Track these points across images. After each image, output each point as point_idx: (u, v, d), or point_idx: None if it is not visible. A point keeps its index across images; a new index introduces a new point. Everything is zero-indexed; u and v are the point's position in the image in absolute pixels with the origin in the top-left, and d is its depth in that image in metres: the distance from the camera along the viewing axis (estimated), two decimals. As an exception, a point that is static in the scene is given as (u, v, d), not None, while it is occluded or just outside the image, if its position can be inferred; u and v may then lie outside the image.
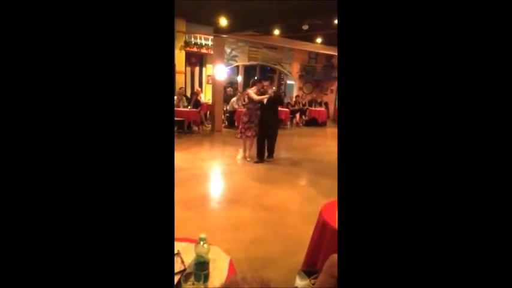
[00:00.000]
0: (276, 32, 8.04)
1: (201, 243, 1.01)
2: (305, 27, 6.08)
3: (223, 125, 7.81)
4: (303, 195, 3.50)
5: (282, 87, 12.13)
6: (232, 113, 7.91)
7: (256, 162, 4.62)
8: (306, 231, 2.33)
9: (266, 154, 4.73)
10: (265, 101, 4.47)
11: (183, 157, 4.79)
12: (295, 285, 1.39)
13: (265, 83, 4.79)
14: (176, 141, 6.10)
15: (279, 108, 8.32)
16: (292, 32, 7.96)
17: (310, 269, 1.43)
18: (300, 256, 1.84)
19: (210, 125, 7.67)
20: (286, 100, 9.54)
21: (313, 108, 9.71)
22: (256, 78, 5.21)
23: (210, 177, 4.18)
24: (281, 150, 4.78)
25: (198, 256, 0.97)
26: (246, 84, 8.63)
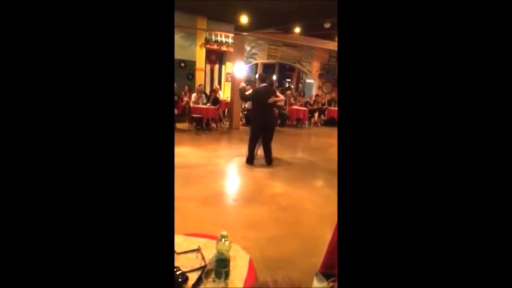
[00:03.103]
0: (297, 30, 7.96)
1: (223, 240, 1.02)
2: (327, 25, 5.98)
3: (241, 122, 7.83)
4: (320, 195, 3.46)
5: (301, 85, 12.02)
6: (250, 111, 7.92)
7: (247, 165, 4.37)
8: (323, 233, 2.30)
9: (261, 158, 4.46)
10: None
11: (200, 154, 4.85)
12: (313, 286, 1.37)
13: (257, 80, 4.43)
14: (194, 137, 6.19)
15: (298, 108, 8.32)
16: (314, 30, 7.86)
17: (328, 272, 1.41)
18: (316, 257, 1.82)
19: (228, 123, 7.72)
20: (305, 99, 9.45)
21: (332, 108, 9.55)
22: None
23: (226, 174, 4.22)
24: (298, 150, 4.75)
25: (219, 253, 0.98)
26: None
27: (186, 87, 7.49)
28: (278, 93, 4.54)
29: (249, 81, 10.05)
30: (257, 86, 4.35)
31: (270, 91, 4.29)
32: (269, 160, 4.45)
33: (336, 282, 1.24)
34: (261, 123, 4.25)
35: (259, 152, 4.57)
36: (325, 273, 1.38)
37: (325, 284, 1.33)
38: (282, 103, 4.47)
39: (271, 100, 4.19)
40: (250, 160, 4.43)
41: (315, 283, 1.37)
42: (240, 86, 4.79)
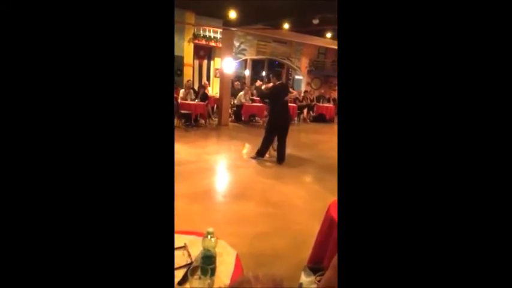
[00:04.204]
0: (286, 26, 7.96)
1: (209, 237, 1.01)
2: (315, 21, 6.00)
3: (230, 119, 7.80)
4: (309, 191, 3.49)
5: (290, 82, 12.06)
6: (240, 107, 7.89)
7: (253, 157, 4.49)
8: (312, 228, 2.32)
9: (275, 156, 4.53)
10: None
11: (189, 150, 4.80)
12: (300, 281, 1.38)
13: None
14: (182, 134, 6.13)
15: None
16: (302, 27, 7.87)
17: (315, 266, 1.42)
18: (305, 253, 1.83)
19: (216, 119, 7.67)
20: (294, 95, 9.49)
21: (321, 104, 9.63)
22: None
23: (216, 171, 4.20)
24: (287, 146, 4.78)
25: (205, 250, 0.97)
26: (254, 79, 8.59)
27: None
28: (291, 89, 4.71)
29: (238, 77, 10.01)
30: (273, 83, 4.35)
31: (286, 88, 4.40)
32: (282, 158, 4.44)
33: (323, 277, 1.25)
34: (281, 120, 4.28)
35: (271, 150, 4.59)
36: (312, 268, 1.40)
37: (312, 278, 1.34)
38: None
39: (288, 97, 4.27)
40: (261, 153, 4.43)
41: (303, 277, 1.39)
42: (257, 84, 4.94)
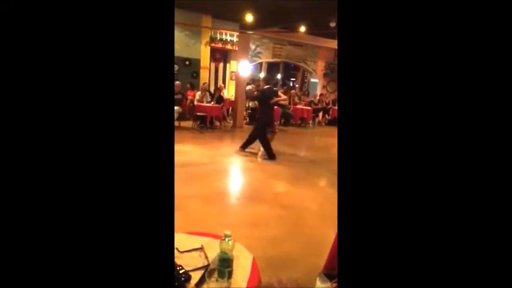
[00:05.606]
0: (302, 29, 7.93)
1: (226, 239, 1.02)
2: (332, 24, 5.94)
3: (244, 121, 7.83)
4: (323, 195, 3.45)
5: (305, 85, 11.99)
6: (254, 109, 7.90)
7: (265, 159, 4.75)
8: (326, 233, 2.29)
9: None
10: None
11: (203, 152, 4.85)
12: (316, 287, 1.37)
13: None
14: (197, 136, 6.20)
15: (302, 107, 8.32)
16: (319, 29, 7.82)
17: (331, 273, 1.40)
18: (319, 257, 1.81)
19: (231, 121, 7.72)
20: (309, 99, 9.42)
21: (336, 108, 9.52)
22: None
23: (229, 173, 4.22)
24: (301, 149, 4.74)
25: (223, 252, 0.98)
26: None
27: (188, 85, 7.49)
28: (280, 93, 5.21)
29: (253, 80, 10.04)
30: (261, 87, 4.92)
31: (273, 92, 4.90)
32: (272, 155, 4.74)
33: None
34: (267, 120, 4.76)
35: (262, 148, 4.86)
36: (328, 274, 1.38)
37: (328, 284, 1.33)
38: (286, 102, 5.61)
39: (274, 100, 4.74)
40: (270, 155, 4.72)
41: (318, 283, 1.37)
42: (246, 88, 5.54)
